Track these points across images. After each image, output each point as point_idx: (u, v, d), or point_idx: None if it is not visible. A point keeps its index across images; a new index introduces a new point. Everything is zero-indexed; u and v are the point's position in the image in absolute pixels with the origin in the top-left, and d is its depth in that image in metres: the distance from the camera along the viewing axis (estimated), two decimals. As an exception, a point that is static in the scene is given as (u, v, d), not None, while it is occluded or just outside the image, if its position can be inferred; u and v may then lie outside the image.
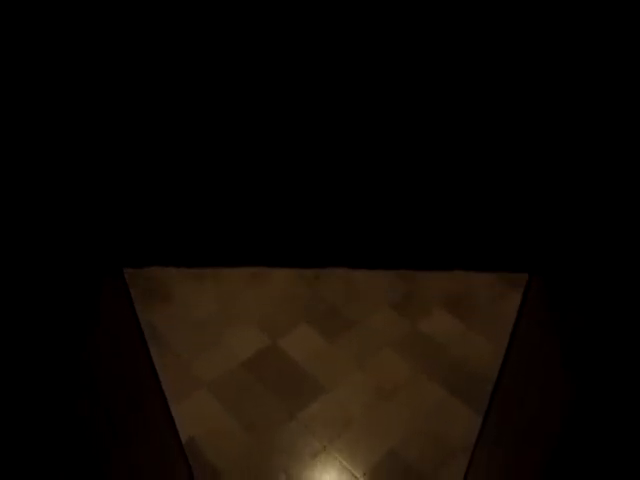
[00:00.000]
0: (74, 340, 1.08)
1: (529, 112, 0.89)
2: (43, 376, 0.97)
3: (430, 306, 4.11)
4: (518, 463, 1.46)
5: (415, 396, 3.47)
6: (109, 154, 0.95)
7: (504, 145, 0.92)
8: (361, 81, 0.87)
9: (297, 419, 3.34)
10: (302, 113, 0.91)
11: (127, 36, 0.85)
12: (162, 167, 0.98)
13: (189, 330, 3.96)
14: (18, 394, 0.95)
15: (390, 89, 0.88)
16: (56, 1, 0.81)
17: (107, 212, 1.03)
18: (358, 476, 3.05)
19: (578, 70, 0.84)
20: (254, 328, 3.96)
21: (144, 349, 1.50)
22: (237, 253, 1.07)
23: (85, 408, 1.06)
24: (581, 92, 0.86)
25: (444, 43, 0.83)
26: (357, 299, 4.19)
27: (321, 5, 0.81)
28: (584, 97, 0.87)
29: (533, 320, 1.26)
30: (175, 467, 1.79)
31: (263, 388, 3.54)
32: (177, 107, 0.90)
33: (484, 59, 0.85)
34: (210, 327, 3.98)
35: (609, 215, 0.97)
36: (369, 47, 0.84)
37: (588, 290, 1.05)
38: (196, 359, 3.73)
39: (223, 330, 3.94)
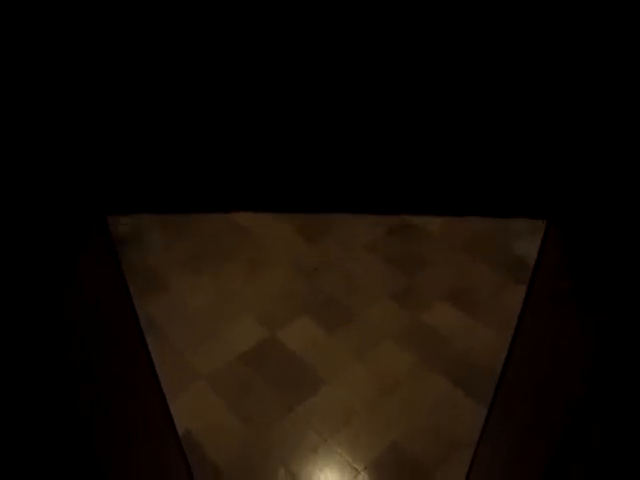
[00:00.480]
0: (55, 284, 0.98)
1: (547, 47, 0.80)
2: (18, 324, 0.88)
3: (431, 298, 4.02)
4: (528, 447, 1.37)
5: (417, 389, 3.38)
6: (91, 97, 0.86)
7: (520, 80, 0.83)
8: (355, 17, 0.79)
9: (297, 412, 3.25)
10: (292, 51, 0.82)
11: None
12: (146, 105, 0.89)
13: (187, 322, 3.87)
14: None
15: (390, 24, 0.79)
16: None
17: (90, 155, 0.93)
18: (359, 470, 2.95)
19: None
20: (252, 320, 3.87)
21: (129, 302, 1.39)
22: (224, 196, 0.97)
23: (62, 362, 0.98)
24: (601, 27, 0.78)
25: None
26: (357, 291, 4.10)
27: None
28: (605, 31, 0.78)
29: (550, 275, 1.17)
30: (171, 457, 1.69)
31: (262, 381, 3.44)
32: (154, 44, 0.81)
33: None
34: (208, 319, 3.89)
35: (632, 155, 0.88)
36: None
37: (610, 237, 0.96)
38: (194, 352, 3.64)
39: (221, 322, 3.85)
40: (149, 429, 1.67)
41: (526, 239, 4.60)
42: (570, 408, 1.08)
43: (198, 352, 3.63)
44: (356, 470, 2.95)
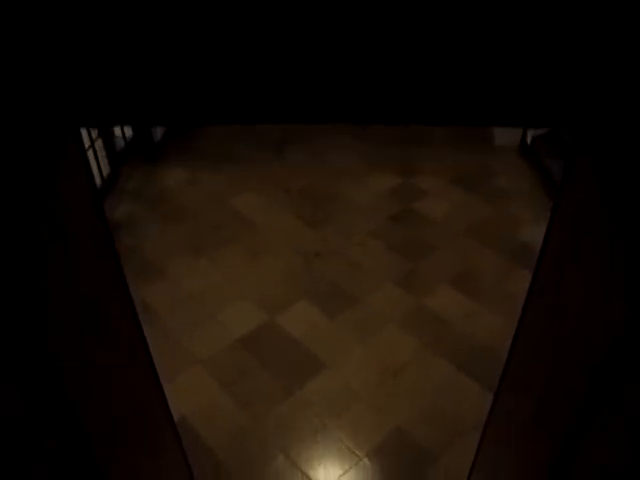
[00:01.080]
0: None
1: None
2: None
3: (435, 284, 3.88)
4: (540, 425, 1.22)
5: (421, 373, 3.24)
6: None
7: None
8: None
9: (296, 397, 3.11)
10: None
11: None
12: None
13: (183, 307, 3.73)
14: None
15: None
16: None
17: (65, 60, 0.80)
18: (361, 456, 2.81)
19: None
20: (251, 305, 3.73)
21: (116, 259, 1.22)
22: (223, 105, 0.83)
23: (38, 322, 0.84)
24: None
25: None
26: (359, 277, 3.96)
27: None
28: None
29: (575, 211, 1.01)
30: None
31: (260, 365, 3.30)
32: None
33: None
34: (205, 304, 3.75)
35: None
36: None
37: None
38: (191, 336, 3.50)
39: (218, 307, 3.71)
40: (143, 413, 1.52)
41: (530, 226, 4.46)
42: (590, 375, 0.93)
43: (195, 336, 3.50)
44: (357, 456, 2.81)
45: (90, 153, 4.37)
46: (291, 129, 5.94)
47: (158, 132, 5.47)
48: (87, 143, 4.32)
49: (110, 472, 1.02)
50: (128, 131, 5.20)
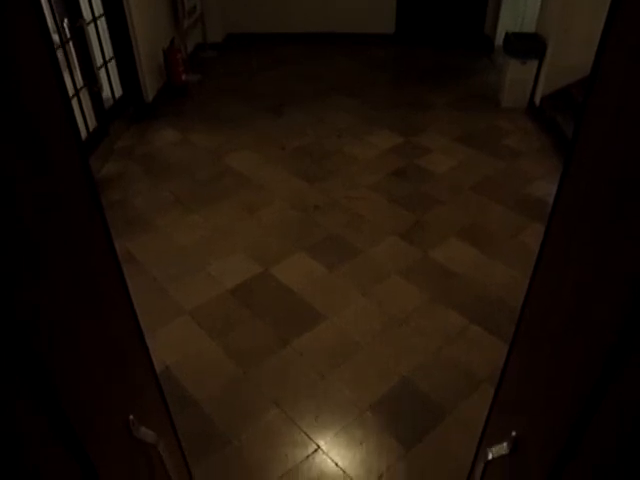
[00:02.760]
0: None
1: None
2: None
3: (442, 236, 3.53)
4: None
5: (429, 324, 2.89)
6: None
7: None
8: None
9: (291, 347, 2.76)
10: None
11: None
12: None
13: (171, 259, 3.39)
14: None
15: None
16: None
17: None
18: (363, 408, 2.46)
19: None
20: (244, 256, 3.38)
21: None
22: None
23: None
24: None
25: None
26: (360, 229, 3.61)
27: None
28: None
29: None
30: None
31: (252, 316, 2.96)
32: None
33: None
34: (195, 256, 3.40)
35: None
36: None
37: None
38: (177, 286, 3.15)
39: (210, 259, 3.37)
40: (123, 365, 1.24)
41: (543, 182, 4.12)
42: (613, 325, 0.66)
43: (182, 287, 3.15)
44: (360, 408, 2.46)
45: (75, 103, 4.02)
46: (289, 93, 5.60)
47: (149, 94, 5.12)
48: (71, 92, 3.97)
49: (85, 426, 0.86)
50: (118, 90, 4.85)
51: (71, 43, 4.00)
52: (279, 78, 6.00)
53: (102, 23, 4.51)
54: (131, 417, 1.06)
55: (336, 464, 2.24)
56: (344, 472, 2.21)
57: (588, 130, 0.78)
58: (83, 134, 4.08)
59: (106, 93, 4.60)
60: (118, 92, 4.84)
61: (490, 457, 1.11)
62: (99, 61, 4.39)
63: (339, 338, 2.80)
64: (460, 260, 3.32)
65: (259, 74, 6.13)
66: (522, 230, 3.60)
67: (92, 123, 4.31)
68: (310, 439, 2.33)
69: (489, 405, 1.58)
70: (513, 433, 1.08)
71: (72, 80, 3.97)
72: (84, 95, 4.20)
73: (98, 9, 4.41)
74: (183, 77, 5.38)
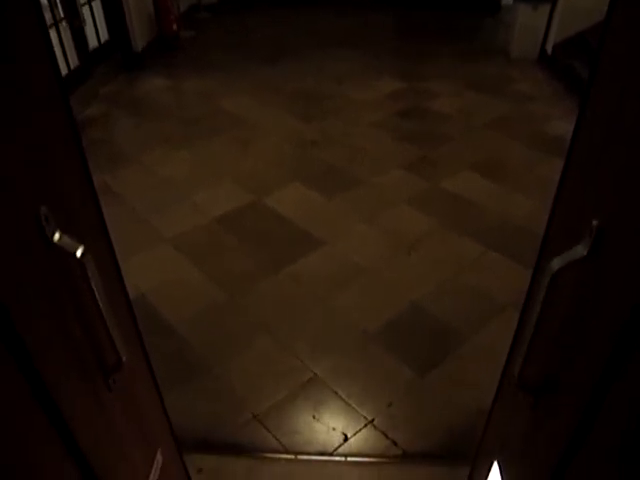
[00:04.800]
0: None
1: None
2: None
3: (454, 169, 3.13)
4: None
5: (442, 250, 2.49)
6: None
7: None
8: None
9: (284, 272, 2.36)
10: None
11: None
12: None
13: (154, 190, 2.99)
14: None
15: None
16: None
17: None
18: (368, 331, 2.06)
19: None
20: (234, 187, 2.99)
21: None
22: None
23: None
24: None
25: None
26: (362, 162, 3.21)
27: None
28: None
29: None
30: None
31: (241, 242, 2.56)
32: None
33: None
34: (179, 187, 3.01)
35: None
36: None
37: None
38: (158, 216, 2.76)
39: (195, 189, 2.97)
40: None
41: (560, 121, 3.72)
42: None
43: (164, 217, 2.75)
44: (364, 334, 2.06)
45: (54, 34, 3.63)
46: (287, 46, 5.21)
47: (139, 43, 4.73)
48: (49, 21, 3.58)
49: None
50: (104, 34, 4.46)
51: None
52: (276, 35, 5.61)
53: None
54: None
55: (335, 393, 1.84)
56: (345, 402, 1.81)
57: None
58: (63, 70, 3.69)
59: (91, 33, 4.21)
60: (104, 36, 4.45)
61: (560, 265, 0.72)
62: (82, -2, 4.01)
63: (340, 264, 2.40)
64: (475, 190, 2.92)
65: (255, 31, 5.74)
66: (540, 164, 3.20)
67: (74, 62, 3.92)
68: (306, 366, 1.93)
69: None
70: (594, 222, 0.69)
71: (52, 12, 3.58)
72: (65, 31, 3.82)
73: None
74: (174, 27, 4.99)
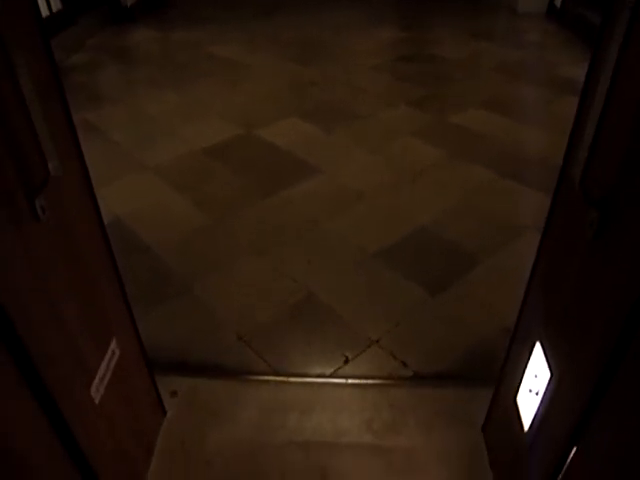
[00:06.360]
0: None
1: None
2: None
3: (461, 106, 2.86)
4: None
5: (450, 177, 2.22)
6: None
7: None
8: None
9: (277, 197, 2.09)
10: None
11: None
12: None
13: (138, 125, 2.72)
14: None
15: None
16: None
17: None
18: (371, 254, 1.79)
19: None
20: (223, 121, 2.71)
21: None
22: None
23: None
24: None
25: None
26: (363, 100, 2.94)
27: None
28: None
29: None
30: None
31: (230, 171, 2.29)
32: None
33: None
34: (165, 122, 2.73)
35: None
36: None
37: None
38: (141, 148, 2.49)
39: (182, 124, 2.69)
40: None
41: (571, 66, 3.44)
42: None
43: (148, 148, 2.48)
44: (365, 254, 1.80)
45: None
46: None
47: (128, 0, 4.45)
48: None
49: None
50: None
51: None
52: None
53: None
54: None
55: (334, 312, 1.58)
56: (345, 321, 1.54)
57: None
58: (44, 12, 3.42)
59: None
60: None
61: None
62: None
63: (338, 190, 2.14)
64: (485, 124, 2.65)
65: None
66: (554, 101, 2.93)
67: (56, 5, 3.64)
68: (299, 285, 1.66)
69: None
70: None
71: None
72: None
73: None
74: (166, -19, 4.71)
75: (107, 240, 1.00)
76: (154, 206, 2.06)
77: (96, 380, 0.92)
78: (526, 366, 0.95)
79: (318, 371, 1.41)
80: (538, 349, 0.90)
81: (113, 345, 1.00)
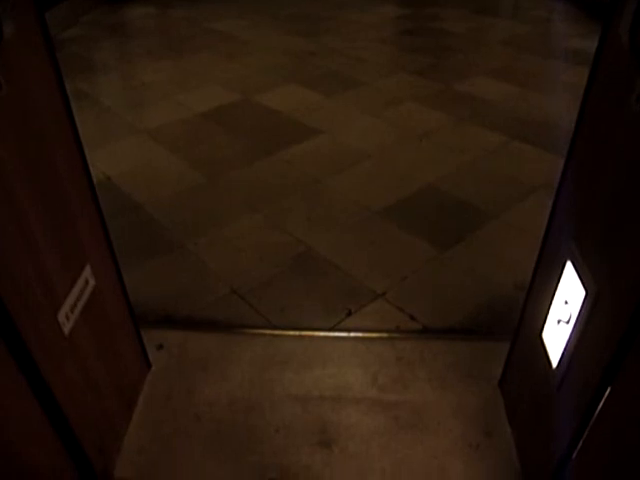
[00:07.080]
0: None
1: None
2: None
3: (466, 74, 2.73)
4: None
5: (458, 139, 2.10)
6: None
7: None
8: None
9: (275, 156, 1.98)
10: None
11: None
12: None
13: (132, 92, 2.61)
14: None
15: None
16: None
17: None
18: (375, 210, 1.67)
19: None
20: (221, 88, 2.59)
21: None
22: None
23: None
24: None
25: None
26: (365, 68, 2.82)
27: None
28: None
29: None
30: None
31: (226, 133, 2.17)
32: None
33: None
34: (160, 89, 2.61)
35: None
36: None
37: None
38: (135, 113, 2.37)
39: (176, 91, 2.57)
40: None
41: (580, 39, 3.32)
42: None
43: (142, 113, 2.37)
44: (370, 210, 1.68)
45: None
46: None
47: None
48: None
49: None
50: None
51: None
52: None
53: None
54: None
55: (335, 265, 1.46)
56: (348, 274, 1.42)
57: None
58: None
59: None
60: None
61: None
62: None
63: (340, 150, 2.02)
64: (492, 93, 2.53)
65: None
66: (564, 72, 2.80)
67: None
68: (298, 240, 1.55)
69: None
70: None
71: None
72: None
73: None
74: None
75: (83, 156, 0.88)
76: (146, 166, 1.94)
77: (65, 307, 0.81)
78: (554, 293, 0.84)
79: (318, 324, 1.29)
80: (569, 269, 0.78)
81: (87, 273, 0.88)
